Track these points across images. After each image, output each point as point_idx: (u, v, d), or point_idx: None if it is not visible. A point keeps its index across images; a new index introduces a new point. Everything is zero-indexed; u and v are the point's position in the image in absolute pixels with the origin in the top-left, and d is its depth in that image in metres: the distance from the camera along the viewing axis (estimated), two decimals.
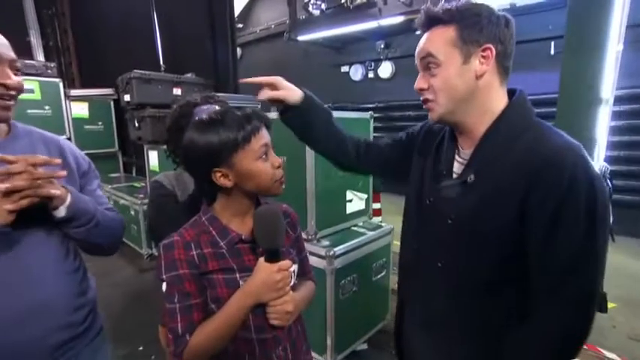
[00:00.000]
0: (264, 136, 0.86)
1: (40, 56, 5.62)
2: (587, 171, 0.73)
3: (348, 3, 4.10)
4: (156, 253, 3.77)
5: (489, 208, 0.81)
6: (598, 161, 1.88)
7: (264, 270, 0.83)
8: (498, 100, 0.84)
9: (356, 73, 6.20)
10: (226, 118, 0.85)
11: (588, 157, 0.76)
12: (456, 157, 0.92)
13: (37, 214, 0.89)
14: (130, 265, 4.01)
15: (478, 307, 0.88)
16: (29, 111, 4.41)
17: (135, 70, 3.36)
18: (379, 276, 2.51)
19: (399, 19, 3.96)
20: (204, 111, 1.31)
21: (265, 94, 1.09)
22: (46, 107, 4.56)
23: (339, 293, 2.22)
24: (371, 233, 2.42)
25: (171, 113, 1.44)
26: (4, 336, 0.85)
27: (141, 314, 2.75)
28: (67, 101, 4.78)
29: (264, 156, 0.86)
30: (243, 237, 0.89)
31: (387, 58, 5.71)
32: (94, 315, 1.08)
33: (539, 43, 3.79)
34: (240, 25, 7.19)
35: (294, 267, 0.96)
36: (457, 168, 0.91)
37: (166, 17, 4.37)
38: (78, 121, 5.01)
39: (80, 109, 4.92)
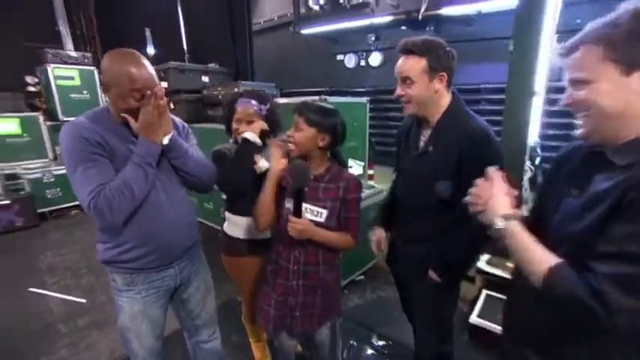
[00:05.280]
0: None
1: (69, 44, 5.75)
2: (491, 141, 1.20)
3: (346, 3, 4.41)
4: None
5: (440, 165, 1.27)
6: (532, 137, 2.36)
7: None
8: (445, 100, 1.28)
9: (350, 61, 6.46)
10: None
11: (492, 133, 1.22)
12: (421, 137, 1.38)
13: (175, 179, 1.35)
14: None
15: (432, 221, 1.35)
16: (71, 95, 4.69)
17: (171, 62, 3.66)
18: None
19: (388, 18, 4.28)
20: (244, 102, 1.63)
21: None
22: (85, 92, 4.81)
23: None
24: (367, 192, 2.89)
25: (225, 102, 1.74)
26: (169, 237, 1.33)
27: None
28: (102, 86, 4.97)
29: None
30: None
31: (376, 49, 6.02)
32: (198, 230, 1.54)
33: (500, 41, 4.18)
34: None
35: (323, 211, 1.34)
36: (422, 143, 1.36)
37: (190, 11, 4.56)
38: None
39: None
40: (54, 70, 4.64)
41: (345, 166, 1.48)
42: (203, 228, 4.15)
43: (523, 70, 2.22)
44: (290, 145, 1.34)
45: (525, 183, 2.33)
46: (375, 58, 6.83)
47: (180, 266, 1.42)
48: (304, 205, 1.30)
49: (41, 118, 4.71)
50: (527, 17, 2.14)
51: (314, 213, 1.34)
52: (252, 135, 1.52)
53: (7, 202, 4.30)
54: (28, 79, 5.55)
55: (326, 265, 1.41)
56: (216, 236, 3.79)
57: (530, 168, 2.33)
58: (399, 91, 1.29)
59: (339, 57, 7.10)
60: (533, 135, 2.36)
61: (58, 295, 2.91)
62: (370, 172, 3.29)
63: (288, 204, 1.34)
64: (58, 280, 3.16)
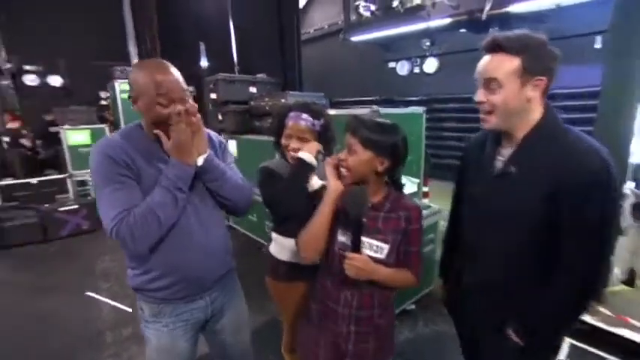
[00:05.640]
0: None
1: (135, 60, 6.28)
2: (607, 169, 0.90)
3: (399, 7, 4.17)
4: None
5: (525, 191, 0.99)
6: (637, 153, 1.91)
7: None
8: (537, 112, 1.00)
9: (402, 68, 6.22)
10: None
11: (609, 157, 0.92)
12: (497, 156, 1.10)
13: (211, 201, 1.23)
14: None
15: (512, 264, 1.06)
16: (132, 107, 5.05)
17: (220, 73, 3.72)
18: (427, 249, 2.70)
19: (446, 20, 3.95)
20: (295, 117, 1.50)
21: None
22: None
23: None
24: (423, 212, 2.60)
25: (275, 115, 1.66)
26: (199, 266, 1.22)
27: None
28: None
29: None
30: None
31: (431, 55, 5.68)
32: (232, 256, 1.42)
33: (584, 38, 3.63)
34: None
35: (385, 246, 1.14)
36: (498, 164, 1.08)
37: (241, 24, 4.68)
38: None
39: None
40: (120, 85, 5.05)
41: (402, 190, 1.28)
42: (244, 239, 4.13)
43: (625, 69, 1.81)
44: (342, 170, 1.15)
45: (626, 210, 1.89)
46: (430, 65, 6.46)
47: (211, 297, 1.30)
48: (363, 239, 1.12)
49: (107, 130, 5.13)
50: (632, 3, 1.73)
51: (373, 248, 1.14)
52: (308, 156, 1.39)
53: (76, 206, 4.69)
54: (102, 94, 6.17)
55: (381, 307, 1.21)
56: (260, 250, 3.72)
57: (634, 192, 1.89)
58: (480, 96, 1.02)
59: (391, 64, 6.87)
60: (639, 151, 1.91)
61: (109, 301, 3.02)
62: (425, 189, 2.98)
63: (342, 237, 1.17)
64: (111, 285, 3.30)
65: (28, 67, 6.53)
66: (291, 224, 1.44)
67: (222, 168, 1.24)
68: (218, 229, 1.30)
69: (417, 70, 6.13)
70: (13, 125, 5.77)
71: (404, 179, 2.57)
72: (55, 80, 6.62)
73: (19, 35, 6.11)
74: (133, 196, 1.08)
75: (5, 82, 6.61)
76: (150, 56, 6.56)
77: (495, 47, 0.97)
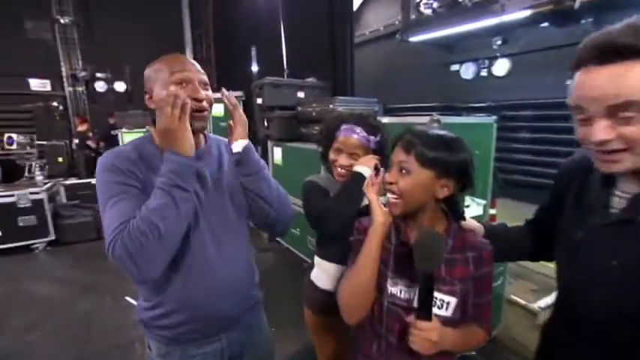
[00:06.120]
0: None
1: None
2: None
3: (467, 1, 3.77)
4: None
5: None
6: None
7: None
8: None
9: (467, 71, 5.72)
10: None
11: None
12: (615, 190, 0.77)
13: (233, 216, 1.08)
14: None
15: None
16: (148, 104, 5.30)
17: (267, 77, 3.65)
18: (494, 284, 2.32)
19: (525, 13, 3.45)
20: (347, 131, 1.35)
21: None
22: None
23: None
24: None
25: (324, 124, 1.52)
26: (215, 302, 1.04)
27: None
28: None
29: None
30: None
31: (503, 55, 5.12)
32: (258, 289, 1.24)
33: None
34: None
35: (452, 300, 0.90)
36: (617, 203, 0.76)
37: (291, 27, 4.63)
38: (215, 119, 5.60)
39: (215, 109, 5.48)
40: None
41: (461, 218, 1.01)
42: (287, 253, 3.99)
43: None
44: (390, 196, 0.91)
45: None
46: (501, 67, 5.82)
47: (229, 338, 1.12)
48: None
49: None
50: None
51: (437, 304, 0.89)
52: (367, 170, 1.26)
53: None
54: None
55: None
56: (301, 266, 3.54)
57: None
58: (604, 133, 0.67)
59: (454, 67, 6.36)
60: None
61: None
62: (492, 211, 2.58)
63: (393, 287, 0.92)
64: None
65: (99, 75, 7.26)
66: (337, 247, 1.29)
67: (262, 164, 1.10)
68: (241, 255, 1.13)
69: (484, 72, 5.58)
70: (82, 128, 6.38)
71: (467, 200, 2.24)
72: (120, 86, 7.23)
73: (92, 44, 6.80)
74: (137, 205, 0.92)
75: (80, 89, 7.41)
76: (205, 62, 6.88)
77: (622, 53, 0.63)
